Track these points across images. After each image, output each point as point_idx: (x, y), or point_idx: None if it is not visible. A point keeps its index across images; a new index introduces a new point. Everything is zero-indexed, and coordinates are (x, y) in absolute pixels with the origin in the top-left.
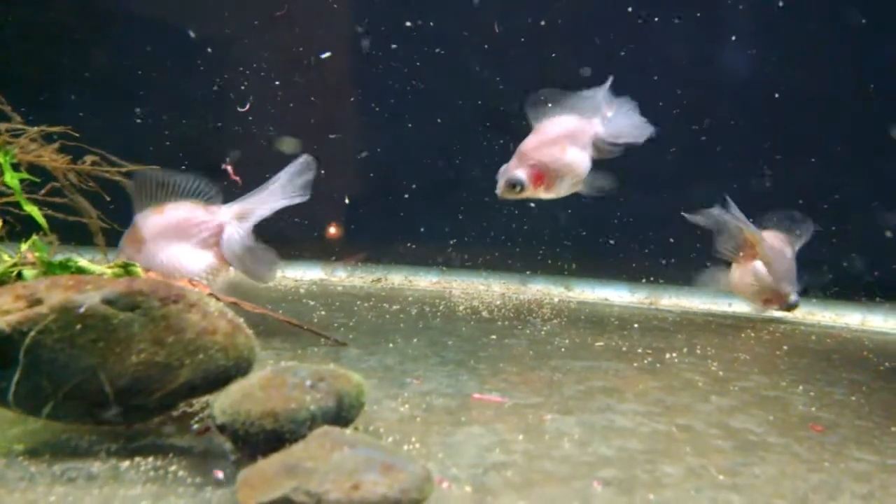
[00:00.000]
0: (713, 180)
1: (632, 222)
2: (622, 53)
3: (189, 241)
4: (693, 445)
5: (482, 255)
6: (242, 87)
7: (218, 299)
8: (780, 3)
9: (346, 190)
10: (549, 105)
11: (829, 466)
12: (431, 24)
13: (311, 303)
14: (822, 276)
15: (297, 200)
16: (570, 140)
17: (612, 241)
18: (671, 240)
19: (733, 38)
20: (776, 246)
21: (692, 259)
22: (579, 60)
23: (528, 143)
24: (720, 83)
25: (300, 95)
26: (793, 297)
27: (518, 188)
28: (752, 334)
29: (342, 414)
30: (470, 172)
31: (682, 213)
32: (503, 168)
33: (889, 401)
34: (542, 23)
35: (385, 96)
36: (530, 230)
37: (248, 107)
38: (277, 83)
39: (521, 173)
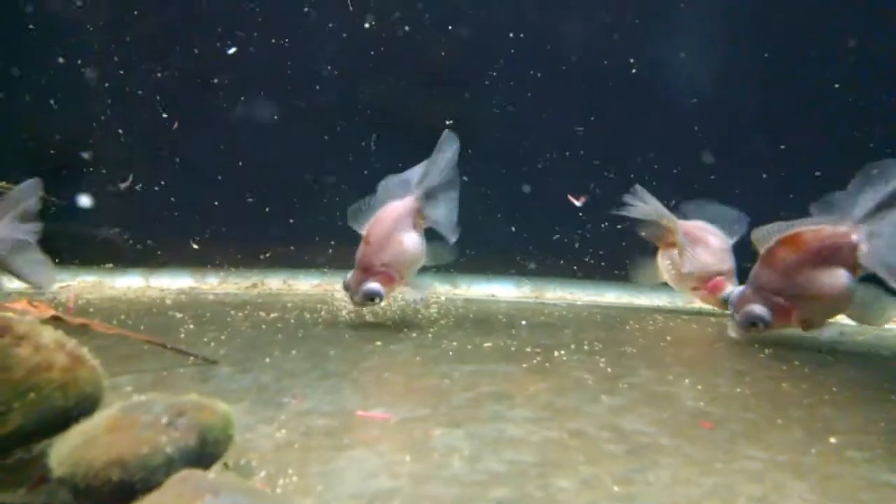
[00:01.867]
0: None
1: (518, 214)
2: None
3: None
4: (585, 453)
5: None
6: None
7: (63, 321)
8: None
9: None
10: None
11: (721, 467)
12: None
13: (179, 315)
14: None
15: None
16: (400, 226)
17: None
18: (556, 230)
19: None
20: (696, 234)
21: (576, 250)
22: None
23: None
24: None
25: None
26: (725, 292)
27: (377, 300)
28: (637, 326)
29: (206, 451)
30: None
31: (613, 211)
32: (354, 280)
33: (772, 391)
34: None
35: (249, 93)
36: None
37: None
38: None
39: (376, 285)
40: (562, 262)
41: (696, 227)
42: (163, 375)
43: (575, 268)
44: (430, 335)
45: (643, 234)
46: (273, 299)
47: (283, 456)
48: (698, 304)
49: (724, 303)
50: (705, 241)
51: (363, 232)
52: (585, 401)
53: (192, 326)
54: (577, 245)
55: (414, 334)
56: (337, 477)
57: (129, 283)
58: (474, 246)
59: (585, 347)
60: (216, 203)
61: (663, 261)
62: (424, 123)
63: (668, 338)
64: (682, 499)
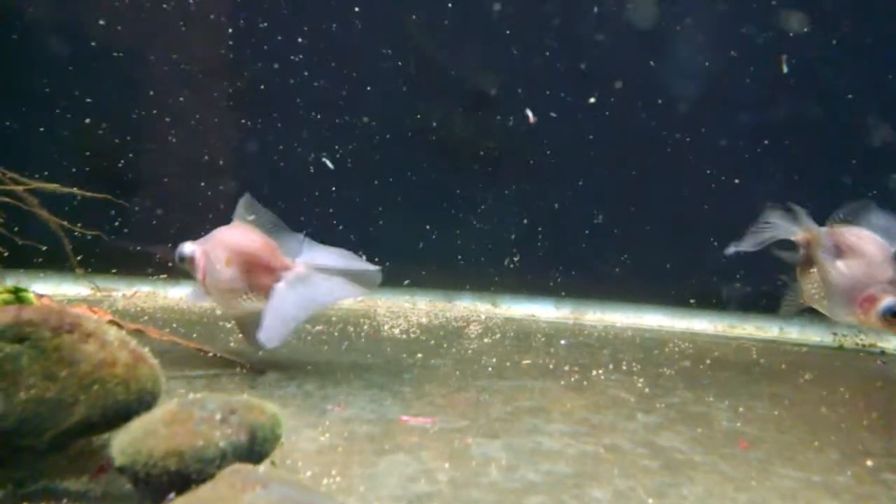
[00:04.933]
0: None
1: (555, 234)
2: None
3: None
4: (620, 466)
5: (407, 272)
6: None
7: (121, 327)
8: None
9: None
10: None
11: (755, 485)
12: None
13: (228, 325)
14: (740, 288)
15: None
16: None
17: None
18: (592, 252)
19: None
20: (849, 241)
21: (614, 273)
22: None
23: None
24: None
25: None
26: (883, 304)
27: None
28: (675, 348)
29: (255, 449)
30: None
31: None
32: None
33: (809, 414)
34: None
35: None
36: (455, 245)
37: None
38: None
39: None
40: (601, 284)
41: (850, 233)
42: (214, 380)
43: (614, 290)
44: (469, 351)
45: (784, 256)
46: (318, 314)
47: (326, 458)
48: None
49: (887, 318)
50: (860, 251)
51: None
52: (622, 418)
53: (240, 336)
54: (616, 268)
55: (454, 349)
56: (378, 479)
57: (181, 294)
58: (514, 265)
59: (623, 367)
60: None
61: (806, 283)
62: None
63: (708, 361)
64: None
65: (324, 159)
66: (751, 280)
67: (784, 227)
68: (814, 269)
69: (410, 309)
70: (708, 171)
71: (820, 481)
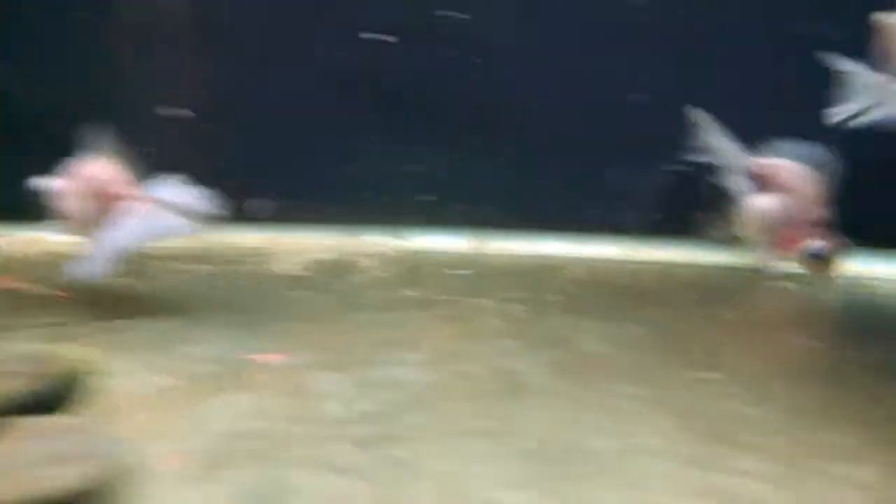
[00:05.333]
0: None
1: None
2: None
3: None
4: (460, 393)
5: (310, 208)
6: None
7: None
8: None
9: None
10: None
11: (590, 405)
12: None
13: None
14: (645, 212)
15: None
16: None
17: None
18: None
19: None
20: (780, 176)
21: (517, 202)
22: None
23: None
24: None
25: None
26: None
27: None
28: (569, 275)
29: (56, 397)
30: None
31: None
32: None
33: (677, 334)
34: None
35: None
36: (359, 179)
37: None
38: None
39: None
40: (505, 213)
41: (782, 168)
42: (63, 329)
43: (517, 219)
44: (357, 286)
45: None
46: (211, 253)
47: (158, 400)
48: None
49: (812, 260)
50: (791, 186)
51: None
52: (484, 345)
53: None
54: (519, 197)
55: (342, 285)
56: (206, 418)
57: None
58: (424, 197)
59: (507, 295)
60: None
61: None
62: None
63: (597, 286)
64: (532, 430)
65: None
66: (656, 204)
67: (732, 154)
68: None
69: (313, 245)
70: (604, 94)
71: (653, 395)
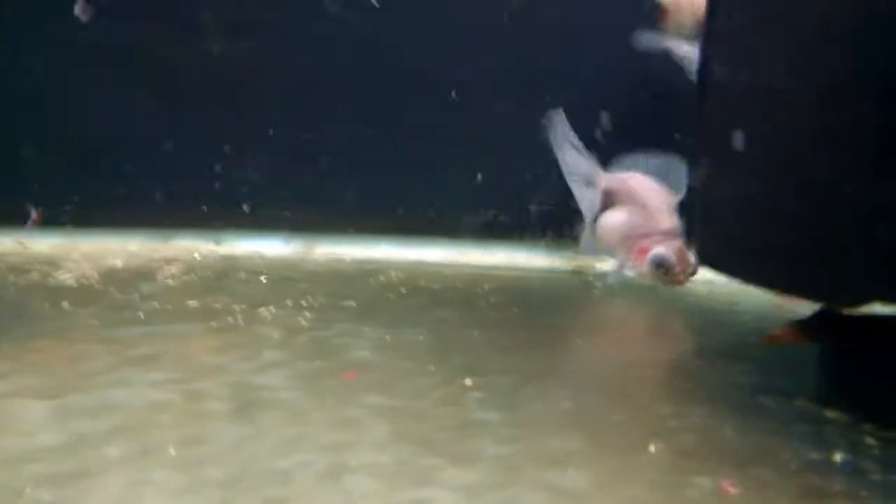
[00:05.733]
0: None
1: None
2: None
3: None
4: (181, 413)
5: (118, 210)
6: None
7: None
8: None
9: None
10: None
11: (320, 418)
12: None
13: None
14: (474, 215)
15: None
16: None
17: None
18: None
19: None
20: (627, 189)
21: (347, 205)
22: None
23: None
24: None
25: None
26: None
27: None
28: (384, 279)
29: None
30: None
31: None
32: None
33: (455, 338)
34: None
35: None
36: (174, 180)
37: None
38: None
39: None
40: (334, 217)
41: (631, 180)
42: None
43: (345, 223)
44: (137, 296)
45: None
46: None
47: None
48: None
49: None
50: (639, 199)
51: None
52: (240, 359)
53: None
54: (349, 200)
55: (119, 295)
56: None
57: None
58: (242, 201)
59: (302, 302)
60: None
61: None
62: None
63: (404, 290)
64: (237, 455)
65: None
66: (486, 207)
67: (584, 168)
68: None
69: (115, 251)
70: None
71: (400, 406)
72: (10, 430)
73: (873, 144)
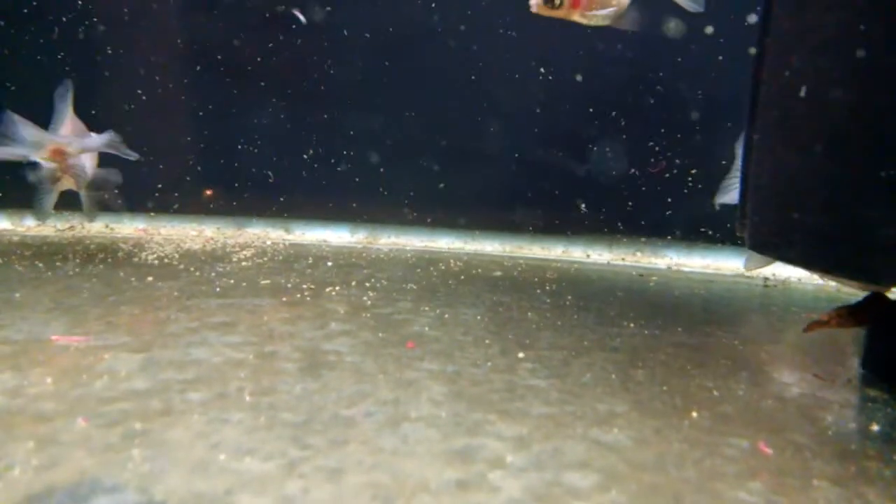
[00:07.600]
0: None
1: (352, 159)
2: None
3: None
4: (253, 371)
5: (195, 198)
6: None
7: None
8: None
9: None
10: None
11: (382, 378)
12: None
13: None
14: (529, 211)
15: None
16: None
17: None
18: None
19: None
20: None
21: (409, 198)
22: None
23: None
24: None
25: None
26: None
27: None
28: (443, 267)
29: None
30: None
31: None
32: None
33: (511, 319)
34: None
35: None
36: (246, 171)
37: None
38: None
39: None
40: (396, 209)
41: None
42: None
43: (407, 216)
44: (213, 274)
45: None
46: (81, 242)
47: None
48: None
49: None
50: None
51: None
52: (309, 328)
53: None
54: (412, 193)
55: (198, 273)
56: None
57: None
58: (310, 191)
59: (366, 284)
60: None
61: None
62: None
63: (463, 276)
64: (315, 403)
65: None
66: (541, 203)
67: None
68: None
69: (193, 236)
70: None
71: (456, 371)
72: (105, 375)
73: None
